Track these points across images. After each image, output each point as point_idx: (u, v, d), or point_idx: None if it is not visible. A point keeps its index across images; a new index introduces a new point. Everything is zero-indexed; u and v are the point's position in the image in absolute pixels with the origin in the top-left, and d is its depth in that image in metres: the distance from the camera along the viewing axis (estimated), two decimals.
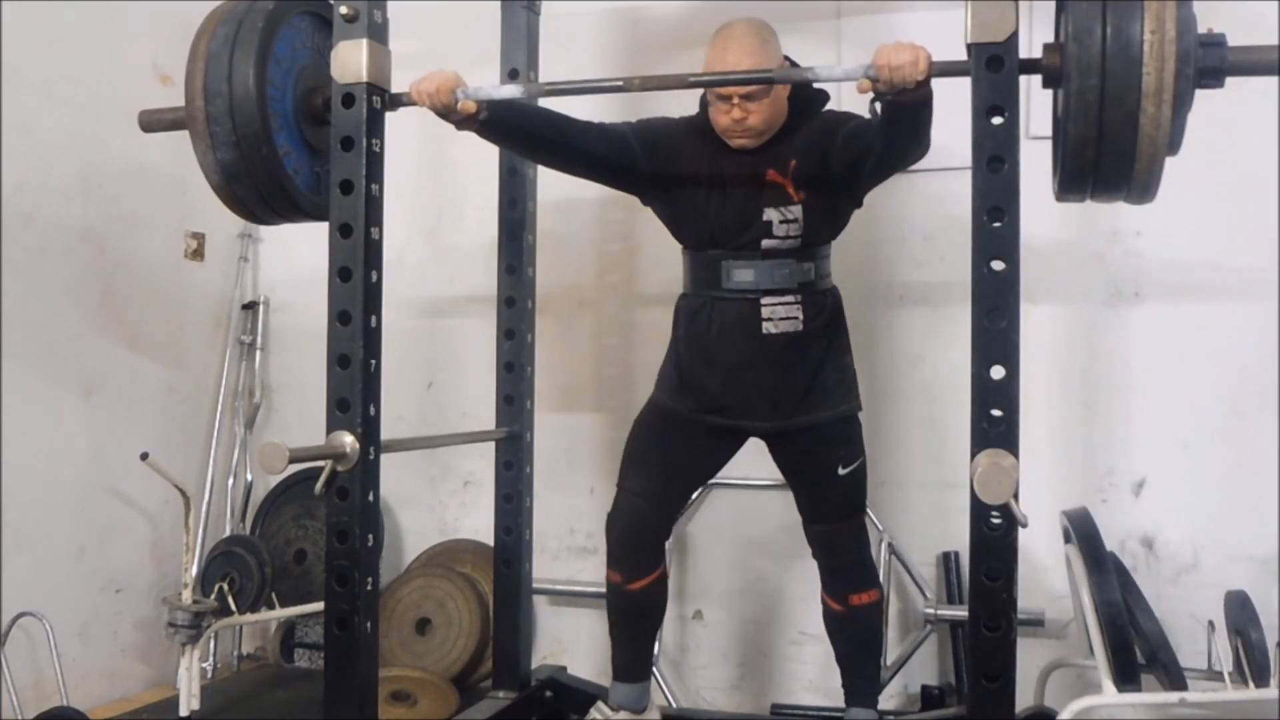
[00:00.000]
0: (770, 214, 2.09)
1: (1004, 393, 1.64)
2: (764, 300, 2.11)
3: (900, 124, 1.88)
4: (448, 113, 1.94)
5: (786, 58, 2.08)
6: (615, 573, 2.22)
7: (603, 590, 2.21)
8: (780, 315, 2.11)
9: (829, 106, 2.16)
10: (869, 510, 2.74)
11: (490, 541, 2.59)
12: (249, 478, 3.32)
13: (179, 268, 3.16)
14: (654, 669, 2.70)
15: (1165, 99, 1.57)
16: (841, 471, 2.17)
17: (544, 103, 2.48)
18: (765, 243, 2.10)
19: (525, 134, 2.11)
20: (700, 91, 2.09)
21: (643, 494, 2.19)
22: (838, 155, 2.05)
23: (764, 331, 2.11)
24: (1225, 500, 2.58)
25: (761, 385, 2.14)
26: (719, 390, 2.16)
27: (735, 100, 2.00)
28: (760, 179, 2.10)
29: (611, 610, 2.28)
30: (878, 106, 1.85)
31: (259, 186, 2.00)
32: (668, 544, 2.78)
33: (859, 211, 2.17)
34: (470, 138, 2.03)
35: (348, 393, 1.90)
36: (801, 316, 2.12)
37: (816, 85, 2.10)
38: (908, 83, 1.71)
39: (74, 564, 2.79)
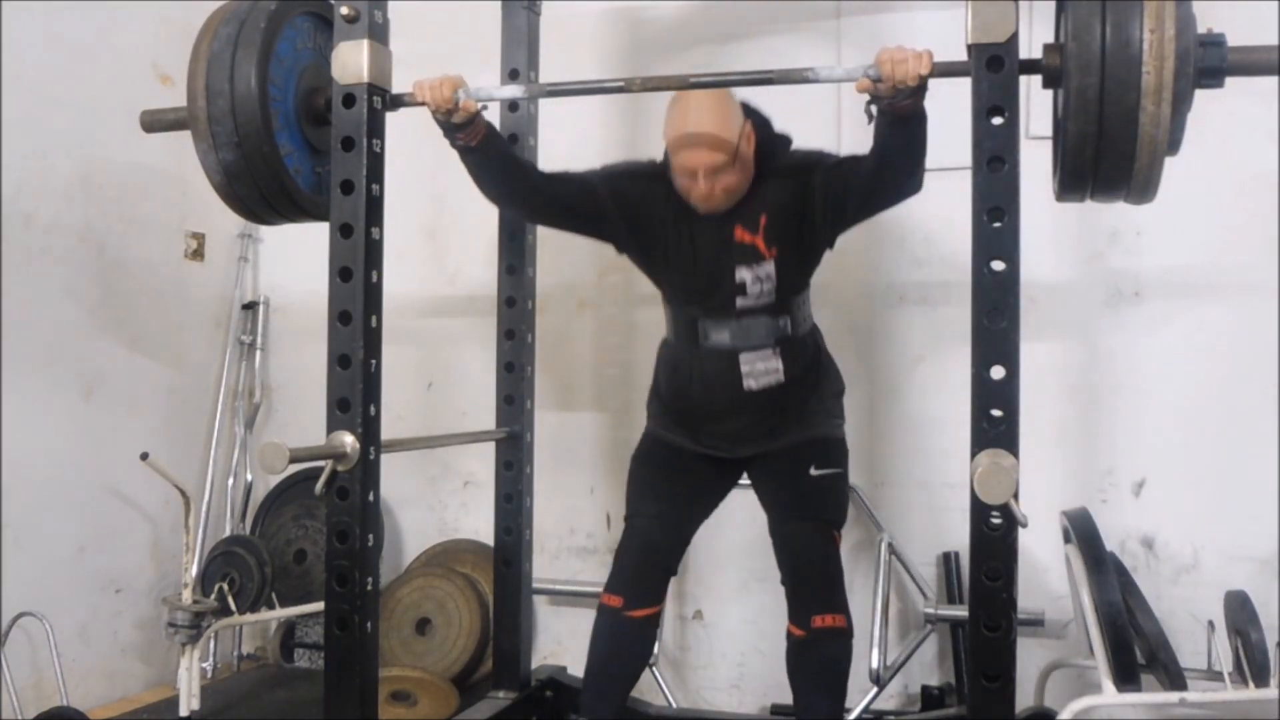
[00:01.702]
0: (742, 274, 2.04)
1: (1004, 393, 1.64)
2: (742, 356, 2.08)
3: (896, 140, 1.84)
4: (448, 114, 1.93)
5: (748, 112, 2.03)
6: (616, 597, 2.09)
7: (602, 589, 2.15)
8: (760, 370, 2.09)
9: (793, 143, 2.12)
10: (873, 514, 2.76)
11: (490, 541, 2.59)
12: (249, 478, 3.32)
13: (179, 268, 3.16)
14: (654, 669, 2.70)
15: (1165, 98, 1.57)
16: (814, 472, 2.10)
17: (544, 103, 2.49)
18: (739, 301, 2.06)
19: (506, 169, 2.10)
20: None
21: (658, 517, 2.16)
22: (819, 197, 2.00)
23: (745, 388, 2.09)
24: (1225, 500, 2.58)
25: (748, 429, 2.13)
26: (706, 431, 2.16)
27: (700, 175, 1.94)
28: (728, 239, 2.04)
29: (601, 641, 2.09)
30: (874, 109, 1.80)
31: (260, 186, 2.00)
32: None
33: None
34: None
35: (348, 393, 1.90)
36: (782, 367, 2.09)
37: (780, 137, 2.10)
38: (909, 78, 1.70)
39: (74, 564, 2.79)
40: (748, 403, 2.10)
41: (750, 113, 2.04)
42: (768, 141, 2.06)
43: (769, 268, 2.04)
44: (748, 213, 2.04)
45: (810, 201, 2.00)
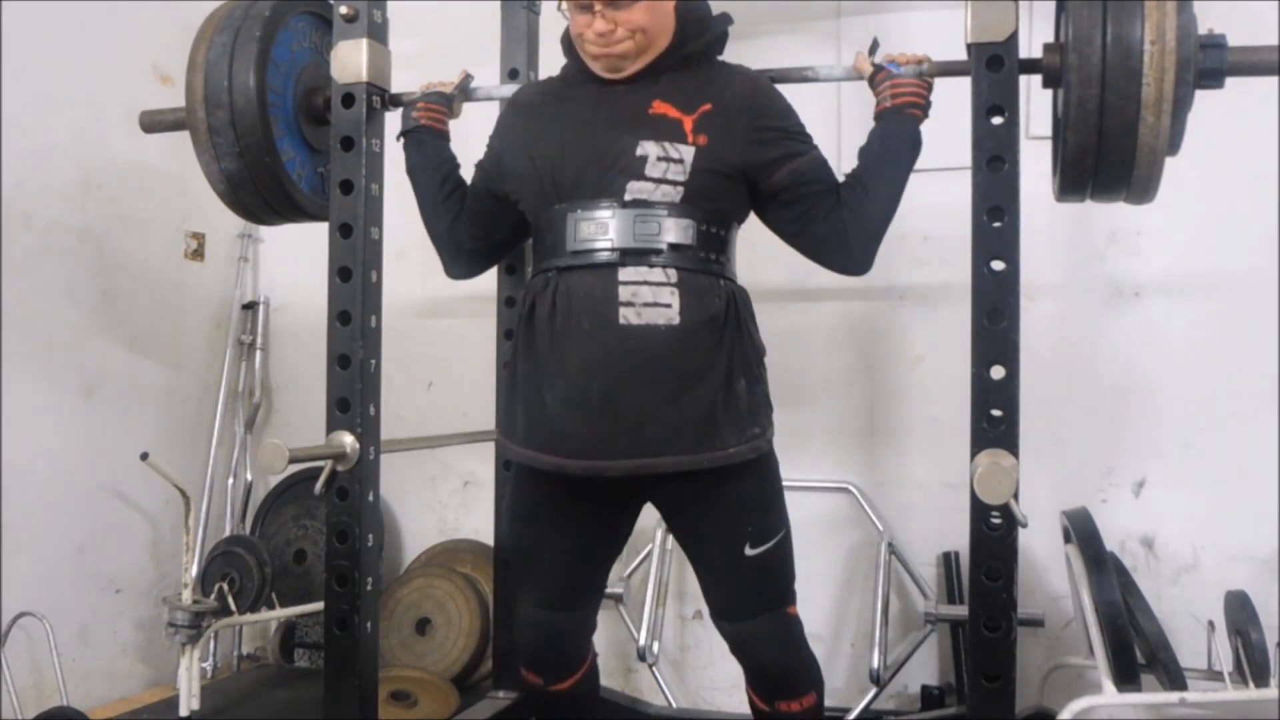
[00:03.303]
0: (647, 148, 1.59)
1: (1004, 393, 1.64)
2: (622, 272, 1.57)
3: (880, 168, 1.67)
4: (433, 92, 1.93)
5: None
6: (534, 675, 1.84)
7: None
8: (645, 300, 1.57)
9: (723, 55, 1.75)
10: (873, 514, 2.76)
11: (490, 541, 2.59)
12: (249, 478, 3.32)
13: (179, 268, 3.16)
14: (654, 670, 2.70)
15: (1165, 110, 1.58)
16: (750, 552, 1.64)
17: None
18: (632, 186, 1.59)
19: (453, 170, 1.92)
20: None
21: (552, 604, 1.77)
22: (778, 174, 1.64)
23: (621, 321, 1.56)
24: (1225, 500, 2.57)
25: (618, 404, 1.57)
26: (559, 409, 1.60)
27: (597, 8, 1.57)
28: (640, 108, 1.63)
29: (538, 711, 1.94)
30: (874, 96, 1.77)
31: (263, 192, 2.02)
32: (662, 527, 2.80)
33: None
34: (469, 138, 2.03)
35: (348, 393, 1.90)
36: (677, 305, 1.57)
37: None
38: (911, 59, 1.71)
39: (74, 564, 2.79)
40: (623, 354, 1.56)
41: None
42: (700, 14, 1.71)
43: (685, 151, 1.59)
44: (682, 92, 1.64)
45: (764, 140, 1.64)
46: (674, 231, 1.59)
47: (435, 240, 1.94)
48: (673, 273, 1.59)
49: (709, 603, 1.74)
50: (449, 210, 1.89)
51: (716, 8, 1.85)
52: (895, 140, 1.70)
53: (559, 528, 1.74)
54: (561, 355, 1.60)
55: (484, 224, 1.88)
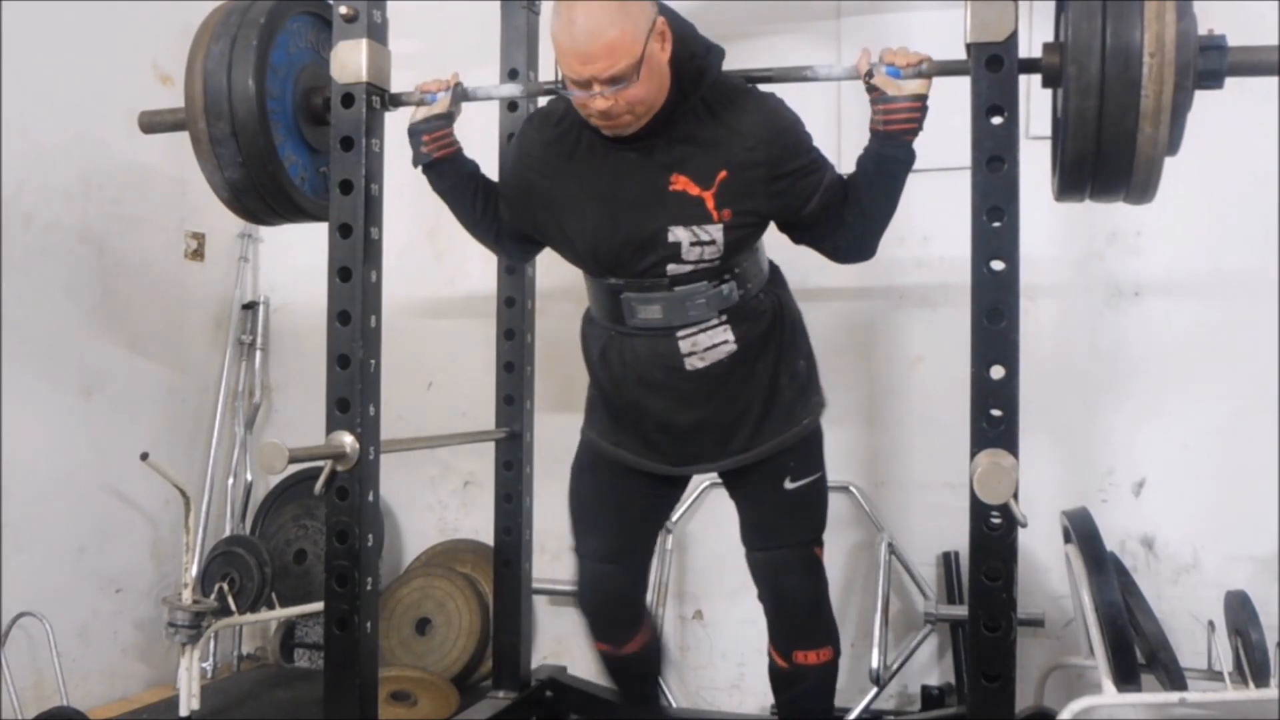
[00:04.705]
0: (678, 234, 1.69)
1: (1004, 393, 1.64)
2: (680, 333, 1.76)
3: (875, 189, 1.73)
4: (435, 107, 1.92)
5: (665, 12, 1.65)
6: (602, 643, 2.05)
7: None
8: (705, 345, 1.76)
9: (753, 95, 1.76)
10: (873, 514, 2.76)
11: (490, 541, 2.59)
12: (249, 478, 3.32)
13: (179, 268, 3.16)
14: None
15: (1164, 100, 1.57)
16: (789, 485, 1.84)
17: (542, 103, 2.48)
18: (671, 268, 1.71)
19: (479, 189, 1.96)
20: None
21: (607, 558, 1.97)
22: (798, 198, 1.73)
23: (689, 369, 1.77)
24: (1225, 500, 2.58)
25: (704, 425, 1.83)
26: (656, 435, 1.86)
27: (596, 89, 1.58)
28: (661, 187, 1.69)
29: (610, 677, 2.20)
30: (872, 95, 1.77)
31: (266, 198, 2.03)
32: (668, 546, 2.80)
33: None
34: (470, 137, 2.03)
35: (348, 393, 1.90)
36: (733, 337, 1.77)
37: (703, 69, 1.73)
38: (910, 62, 1.70)
39: (74, 564, 2.79)
40: (698, 388, 1.79)
41: (663, 8, 1.66)
42: (693, 55, 1.69)
43: (714, 231, 1.68)
44: (695, 159, 1.68)
45: (786, 188, 1.72)
46: (719, 301, 1.76)
47: (486, 247, 2.07)
48: (724, 314, 1.78)
49: (746, 540, 1.93)
50: (489, 229, 1.99)
51: (718, 10, 1.85)
52: (889, 160, 1.74)
53: (621, 482, 1.94)
54: (644, 395, 1.83)
55: (525, 242, 2.00)
